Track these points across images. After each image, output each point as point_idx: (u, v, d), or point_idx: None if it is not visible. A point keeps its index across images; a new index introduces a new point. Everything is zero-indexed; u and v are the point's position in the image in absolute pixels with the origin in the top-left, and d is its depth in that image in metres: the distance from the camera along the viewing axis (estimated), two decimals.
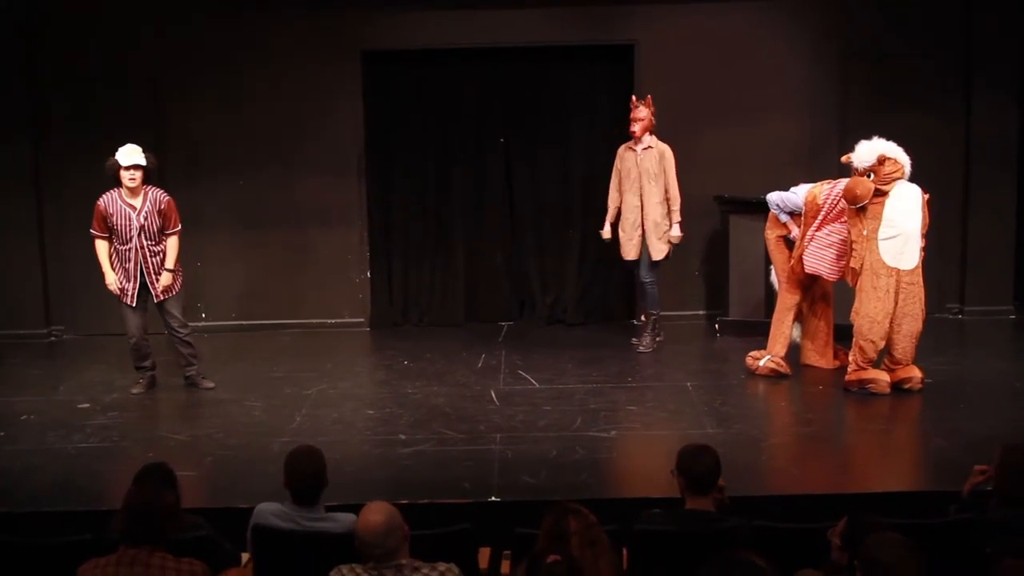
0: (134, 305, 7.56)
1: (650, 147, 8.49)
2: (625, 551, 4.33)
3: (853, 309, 7.29)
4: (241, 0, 9.56)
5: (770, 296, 8.50)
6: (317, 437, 6.29)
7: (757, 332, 8.34)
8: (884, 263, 7.12)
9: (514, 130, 10.01)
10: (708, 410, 7.07)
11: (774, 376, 7.76)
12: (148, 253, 7.51)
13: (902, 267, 7.13)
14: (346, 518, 4.31)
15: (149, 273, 7.53)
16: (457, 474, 5.92)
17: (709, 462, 4.39)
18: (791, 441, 6.70)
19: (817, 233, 7.55)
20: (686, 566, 3.63)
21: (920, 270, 7.21)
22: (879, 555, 3.45)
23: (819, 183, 7.68)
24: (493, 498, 5.56)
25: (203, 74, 9.60)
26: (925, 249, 7.28)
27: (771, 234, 8.02)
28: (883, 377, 7.24)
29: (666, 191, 8.48)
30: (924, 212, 7.19)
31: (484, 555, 4.76)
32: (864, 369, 7.28)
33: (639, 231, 8.56)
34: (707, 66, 9.57)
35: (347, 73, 9.65)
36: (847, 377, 7.38)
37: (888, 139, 7.20)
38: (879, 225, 7.11)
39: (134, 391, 7.73)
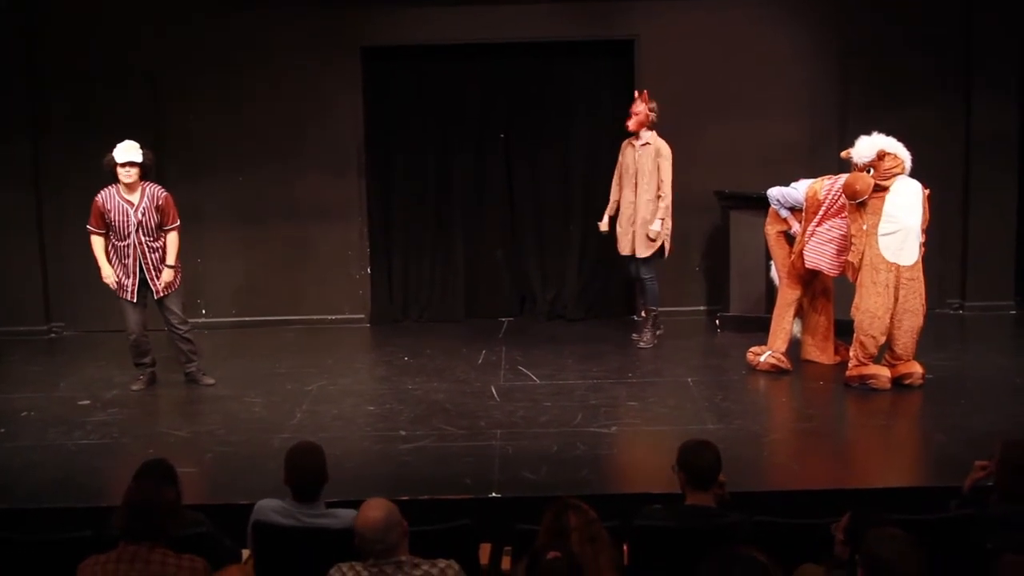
0: (134, 301, 7.56)
1: (648, 144, 8.47)
2: (626, 547, 4.32)
3: (853, 304, 7.29)
4: None
5: (771, 292, 8.49)
6: (317, 433, 6.29)
7: (758, 328, 8.34)
8: (884, 258, 7.11)
9: (514, 126, 10.00)
10: (709, 406, 7.07)
11: (775, 372, 7.76)
12: (146, 249, 7.51)
13: (901, 263, 7.13)
14: (347, 514, 4.31)
15: (148, 269, 7.53)
16: (458, 470, 5.91)
17: (710, 458, 4.38)
18: (792, 437, 6.70)
19: (818, 228, 7.55)
20: (687, 562, 3.62)
21: (920, 266, 7.20)
22: (880, 550, 3.44)
23: (820, 178, 7.68)
24: (494, 494, 5.56)
25: (203, 71, 9.59)
26: (925, 245, 7.27)
27: (772, 230, 8.02)
28: (884, 373, 7.24)
29: (658, 188, 8.46)
30: (924, 207, 7.18)
31: (485, 551, 4.76)
32: (865, 365, 7.28)
33: (633, 227, 8.56)
34: (708, 61, 9.56)
35: (347, 69, 9.64)
36: (848, 373, 7.37)
37: (888, 135, 7.20)
38: (879, 220, 7.11)
39: (134, 387, 7.73)
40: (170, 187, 7.84)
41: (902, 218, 7.10)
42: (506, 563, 4.68)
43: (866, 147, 7.15)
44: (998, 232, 9.67)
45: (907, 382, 7.26)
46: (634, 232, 8.55)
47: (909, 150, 7.22)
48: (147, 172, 7.54)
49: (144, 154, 7.44)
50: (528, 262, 10.14)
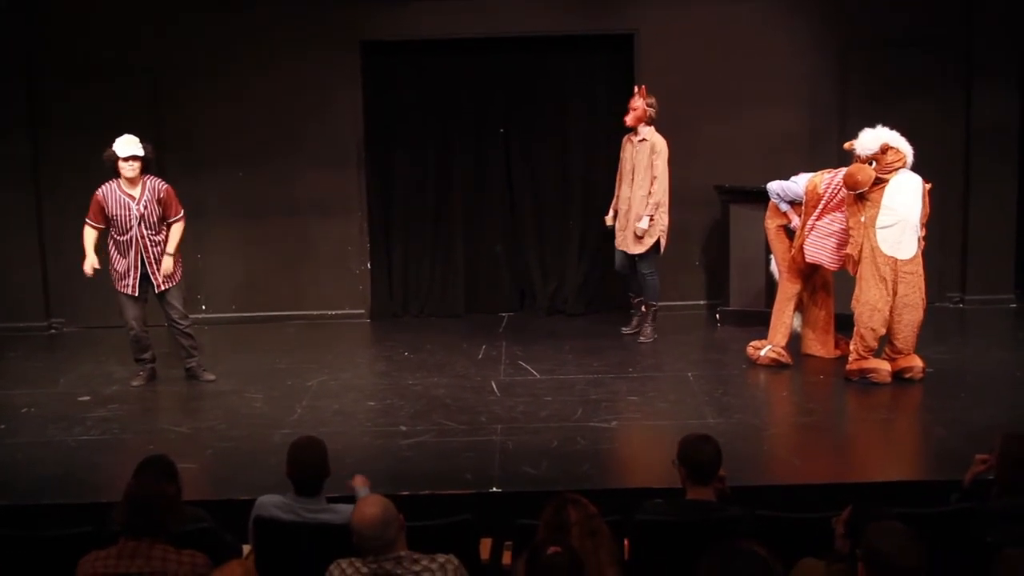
0: (135, 296, 7.56)
1: (644, 140, 8.46)
2: (626, 541, 4.33)
3: (853, 297, 7.29)
4: None
5: (771, 286, 8.49)
6: (318, 429, 6.29)
7: (758, 322, 8.33)
8: (881, 251, 7.10)
9: (514, 121, 9.99)
10: (709, 400, 7.07)
11: (775, 366, 7.76)
12: (148, 243, 7.51)
13: (899, 256, 7.12)
14: (347, 509, 4.29)
15: (150, 263, 7.53)
16: (458, 465, 5.92)
17: (710, 452, 4.39)
18: (792, 431, 6.71)
19: (818, 222, 7.55)
20: (687, 556, 3.62)
21: (920, 259, 7.20)
22: (880, 544, 3.44)
23: (820, 172, 7.67)
24: (494, 489, 5.56)
25: (202, 68, 9.56)
26: (925, 239, 7.26)
27: (771, 223, 8.01)
28: (884, 366, 7.24)
29: (651, 183, 8.44)
30: (925, 201, 7.18)
31: (485, 546, 4.76)
32: (865, 358, 7.27)
33: (628, 223, 8.54)
34: (707, 55, 9.54)
35: (346, 64, 9.63)
36: (848, 366, 7.37)
37: (890, 128, 7.19)
38: (877, 213, 7.10)
39: (134, 383, 7.73)
40: (169, 181, 7.81)
41: (901, 211, 7.09)
42: (507, 558, 4.68)
43: (870, 140, 7.14)
44: (998, 225, 9.66)
45: (907, 376, 7.26)
46: (629, 228, 8.55)
47: (910, 142, 7.21)
48: (148, 166, 7.55)
49: (145, 148, 7.45)
50: (528, 257, 10.13)
